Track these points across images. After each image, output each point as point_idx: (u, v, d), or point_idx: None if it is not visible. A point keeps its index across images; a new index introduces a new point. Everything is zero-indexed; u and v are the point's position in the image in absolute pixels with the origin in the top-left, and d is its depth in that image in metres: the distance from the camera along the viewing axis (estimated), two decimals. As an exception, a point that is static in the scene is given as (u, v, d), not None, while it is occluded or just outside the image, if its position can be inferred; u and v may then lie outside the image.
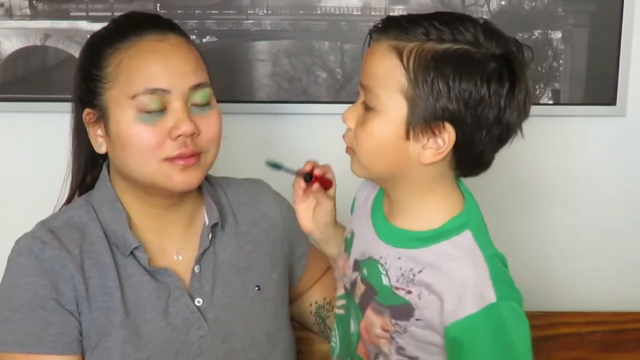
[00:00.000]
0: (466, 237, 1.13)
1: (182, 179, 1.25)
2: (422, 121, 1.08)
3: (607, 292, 1.88)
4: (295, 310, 1.54)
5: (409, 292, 1.12)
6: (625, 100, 1.79)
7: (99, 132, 1.29)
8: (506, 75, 1.07)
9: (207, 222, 1.35)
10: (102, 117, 1.27)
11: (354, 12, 1.74)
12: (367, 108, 1.12)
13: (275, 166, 1.24)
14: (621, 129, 1.82)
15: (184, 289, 1.31)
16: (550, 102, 1.77)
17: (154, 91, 1.22)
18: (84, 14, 1.71)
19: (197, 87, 1.25)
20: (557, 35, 1.74)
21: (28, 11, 1.71)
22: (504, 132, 1.10)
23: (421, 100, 1.07)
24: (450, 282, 1.10)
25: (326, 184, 1.28)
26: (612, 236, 1.88)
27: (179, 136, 1.23)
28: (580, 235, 1.88)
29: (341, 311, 1.28)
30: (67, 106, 1.74)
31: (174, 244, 1.34)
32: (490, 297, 1.08)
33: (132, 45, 1.25)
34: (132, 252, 1.29)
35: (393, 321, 1.14)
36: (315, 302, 1.52)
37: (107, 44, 1.27)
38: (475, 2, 1.73)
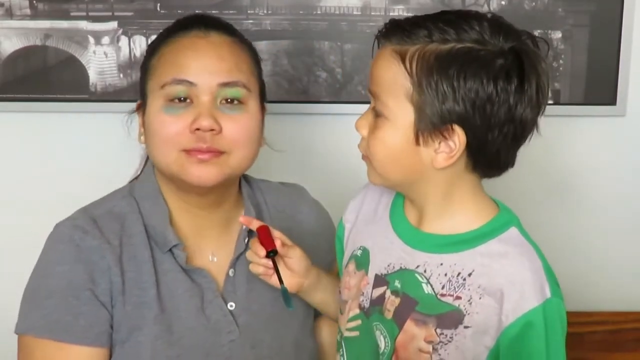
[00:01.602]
0: (513, 233, 1.12)
1: (198, 173, 1.25)
2: (430, 126, 1.05)
3: (607, 291, 1.88)
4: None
5: (458, 297, 1.09)
6: (625, 100, 1.79)
7: (141, 122, 1.32)
8: (515, 70, 1.04)
9: (244, 226, 1.34)
10: (143, 108, 1.30)
11: (354, 12, 1.74)
12: (377, 115, 1.10)
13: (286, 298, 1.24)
14: (621, 129, 1.82)
15: (217, 291, 1.31)
16: (550, 102, 1.77)
17: (180, 82, 1.24)
18: (84, 14, 1.70)
19: (227, 85, 1.25)
20: (557, 35, 1.74)
21: (28, 11, 1.71)
22: (519, 129, 1.07)
23: (427, 104, 1.05)
24: (508, 279, 1.07)
25: (270, 241, 1.24)
26: (612, 236, 1.88)
27: (197, 129, 1.23)
28: (579, 235, 1.88)
29: (354, 333, 1.22)
30: (67, 106, 1.75)
31: (210, 245, 1.34)
32: (547, 292, 1.08)
33: (176, 41, 1.28)
34: (170, 249, 1.28)
35: (439, 331, 1.10)
36: None
37: (161, 40, 1.31)
38: (475, 2, 1.73)
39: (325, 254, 1.41)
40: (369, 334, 1.18)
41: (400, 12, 1.73)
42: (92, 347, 1.23)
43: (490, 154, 1.08)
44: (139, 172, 1.42)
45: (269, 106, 1.78)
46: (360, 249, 1.22)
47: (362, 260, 1.21)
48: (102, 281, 1.24)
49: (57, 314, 1.22)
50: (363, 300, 1.20)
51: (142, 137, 1.32)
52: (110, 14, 1.68)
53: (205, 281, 1.30)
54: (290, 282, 1.26)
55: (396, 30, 1.08)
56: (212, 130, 1.23)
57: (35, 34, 1.72)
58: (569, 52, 1.75)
